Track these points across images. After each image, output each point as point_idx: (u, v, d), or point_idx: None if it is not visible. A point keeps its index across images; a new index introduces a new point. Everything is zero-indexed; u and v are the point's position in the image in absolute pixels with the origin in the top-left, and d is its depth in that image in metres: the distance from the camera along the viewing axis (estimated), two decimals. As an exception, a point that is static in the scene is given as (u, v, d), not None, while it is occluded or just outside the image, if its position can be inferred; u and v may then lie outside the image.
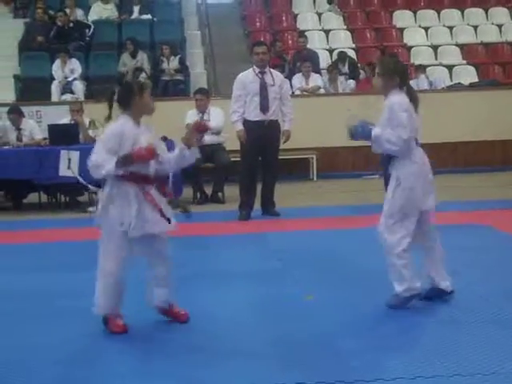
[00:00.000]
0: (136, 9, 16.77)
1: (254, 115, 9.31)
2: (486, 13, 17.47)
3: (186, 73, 15.30)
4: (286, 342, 4.77)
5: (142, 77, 14.62)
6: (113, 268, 4.95)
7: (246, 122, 9.34)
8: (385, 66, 5.43)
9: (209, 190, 11.17)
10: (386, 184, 5.41)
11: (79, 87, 14.53)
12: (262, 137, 9.27)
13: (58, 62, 14.71)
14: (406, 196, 5.28)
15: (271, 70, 9.62)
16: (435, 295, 5.49)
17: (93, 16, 16.61)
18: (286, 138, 9.57)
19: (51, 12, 16.26)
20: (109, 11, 16.72)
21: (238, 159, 9.88)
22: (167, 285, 5.19)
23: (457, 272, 5.77)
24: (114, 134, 4.94)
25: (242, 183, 9.64)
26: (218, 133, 11.14)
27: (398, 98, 5.26)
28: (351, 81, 14.97)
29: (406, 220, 5.29)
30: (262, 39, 15.52)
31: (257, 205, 9.62)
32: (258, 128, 9.27)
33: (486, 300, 5.54)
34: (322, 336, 4.86)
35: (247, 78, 9.43)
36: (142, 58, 15.15)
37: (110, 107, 5.09)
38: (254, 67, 9.48)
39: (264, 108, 9.28)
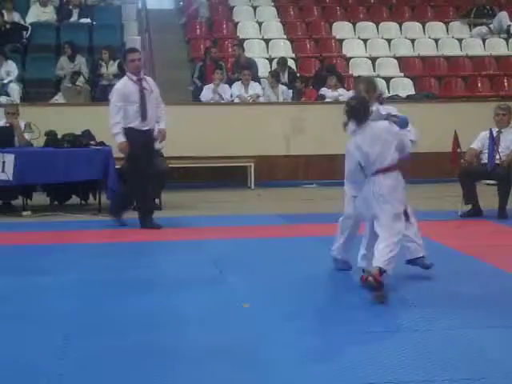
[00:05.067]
0: (75, 12, 16.58)
1: (138, 123, 9.10)
2: (424, 27, 17.77)
3: (125, 78, 15.18)
4: (226, 350, 4.76)
5: (80, 81, 14.50)
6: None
7: (130, 131, 9.09)
8: None
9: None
10: None
11: (15, 89, 14.27)
12: (145, 144, 9.17)
13: (-7, 64, 14.49)
14: None
15: (145, 76, 9.45)
16: None
17: (31, 18, 16.34)
18: (162, 136, 9.44)
19: (-12, 14, 16.00)
20: (47, 14, 16.47)
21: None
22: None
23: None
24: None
25: (139, 190, 9.39)
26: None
27: None
28: (290, 90, 15.03)
29: None
30: (201, 46, 15.55)
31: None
32: (141, 135, 9.12)
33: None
34: (249, 345, 4.87)
35: (127, 87, 9.16)
36: (80, 61, 14.99)
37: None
38: (129, 74, 9.22)
39: (143, 115, 9.10)
